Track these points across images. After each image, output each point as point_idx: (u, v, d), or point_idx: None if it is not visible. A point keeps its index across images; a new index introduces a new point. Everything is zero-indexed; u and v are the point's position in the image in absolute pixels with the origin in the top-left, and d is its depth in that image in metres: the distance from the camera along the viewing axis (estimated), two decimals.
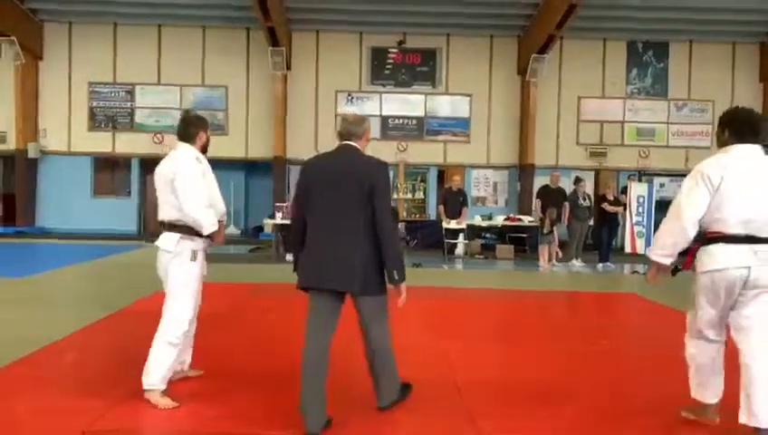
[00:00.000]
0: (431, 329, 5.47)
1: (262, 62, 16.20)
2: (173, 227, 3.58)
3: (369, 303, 3.18)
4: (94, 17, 16.26)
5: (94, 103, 16.68)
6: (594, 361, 4.65)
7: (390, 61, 16.93)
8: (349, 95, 16.88)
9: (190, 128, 3.75)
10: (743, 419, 3.00)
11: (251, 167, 17.37)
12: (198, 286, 3.68)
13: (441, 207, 12.51)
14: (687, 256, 3.22)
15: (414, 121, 16.94)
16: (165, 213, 3.62)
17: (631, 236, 14.50)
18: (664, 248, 3.16)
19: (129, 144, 16.68)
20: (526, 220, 13.60)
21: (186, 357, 3.89)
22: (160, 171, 3.65)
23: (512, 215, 14.64)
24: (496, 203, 16.95)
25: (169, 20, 16.34)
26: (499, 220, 13.87)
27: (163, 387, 3.46)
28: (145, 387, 3.44)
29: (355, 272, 3.07)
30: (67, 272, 9.01)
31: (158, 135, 16.59)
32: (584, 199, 11.96)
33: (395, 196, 15.62)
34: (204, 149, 3.78)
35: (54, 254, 12.10)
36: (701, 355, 3.23)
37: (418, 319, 5.52)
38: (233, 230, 17.19)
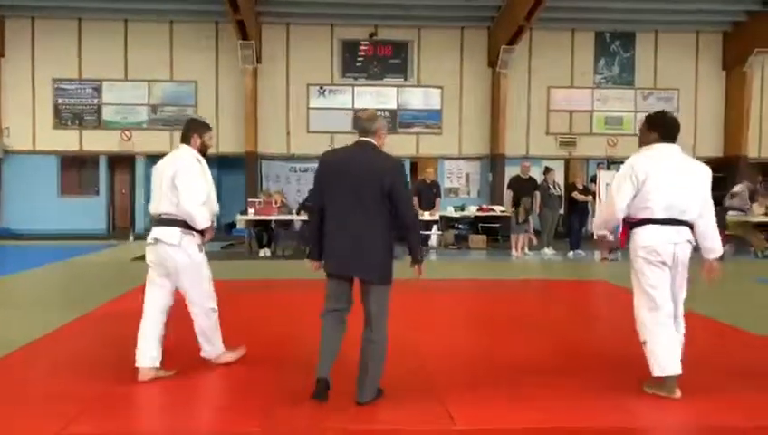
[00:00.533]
0: (402, 320, 5.51)
1: (231, 57, 16.03)
2: (172, 222, 3.80)
3: (377, 290, 3.40)
4: (58, 12, 15.86)
5: (59, 100, 16.33)
6: (565, 347, 4.74)
7: (362, 54, 16.90)
8: (320, 88, 16.81)
9: (185, 130, 4.03)
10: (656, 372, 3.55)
11: (222, 162, 17.19)
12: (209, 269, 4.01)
13: (415, 199, 12.55)
14: (621, 235, 3.83)
15: (386, 114, 16.94)
16: (163, 207, 3.83)
17: None
18: (599, 228, 3.95)
19: (96, 142, 16.38)
20: (498, 210, 13.74)
21: (157, 354, 3.86)
22: (161, 168, 3.89)
23: (484, 205, 14.79)
24: (469, 194, 17.09)
25: (136, 14, 16.06)
26: (472, 211, 14.00)
27: (223, 349, 4.07)
28: (214, 356, 4.03)
29: (375, 263, 3.36)
30: (35, 274, 8.85)
31: (126, 132, 16.34)
32: (555, 188, 12.11)
33: None
34: (202, 151, 4.00)
35: (21, 255, 11.86)
36: (656, 323, 3.58)
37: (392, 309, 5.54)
38: None
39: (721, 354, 4.66)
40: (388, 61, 16.93)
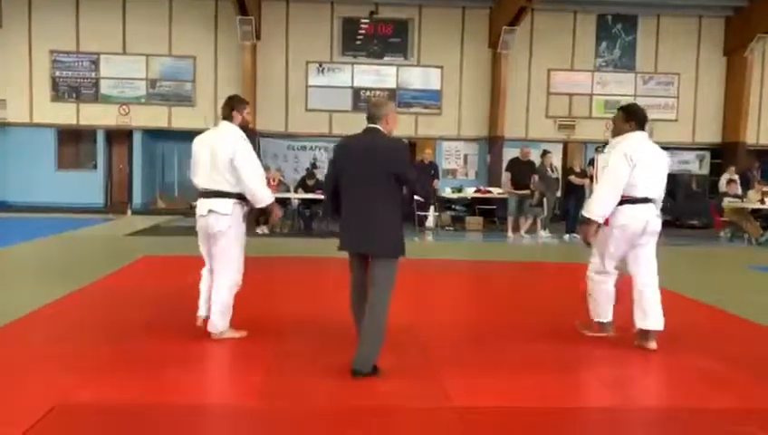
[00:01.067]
0: (399, 299, 5.56)
1: (230, 32, 15.89)
2: (226, 194, 4.10)
3: (380, 264, 3.60)
4: None
5: (57, 73, 16.21)
6: (562, 328, 4.80)
7: (362, 32, 16.77)
8: (320, 66, 16.70)
9: (225, 107, 4.25)
10: (640, 324, 4.20)
11: None
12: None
13: None
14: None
15: (386, 93, 16.87)
16: (218, 185, 4.10)
17: None
18: (606, 210, 4.17)
19: (93, 115, 16.29)
20: (495, 192, 13.76)
21: (207, 312, 4.26)
22: (213, 146, 4.10)
23: (481, 187, 14.80)
24: (466, 175, 17.08)
25: None
26: (469, 192, 14.01)
27: (228, 326, 4.20)
28: (220, 330, 4.16)
29: (381, 239, 3.59)
30: (33, 246, 8.87)
31: (124, 106, 16.24)
32: (551, 171, 12.13)
33: None
34: (243, 127, 4.23)
35: (18, 228, 11.87)
36: (604, 285, 4.37)
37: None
38: None
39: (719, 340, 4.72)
40: (388, 39, 16.81)
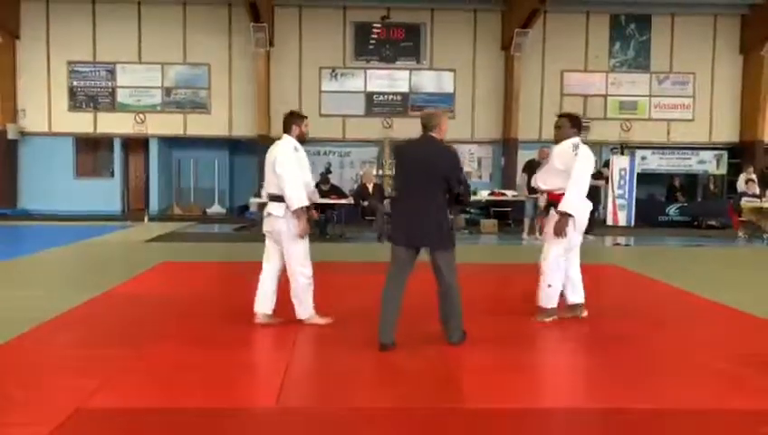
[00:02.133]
0: (417, 299, 5.58)
1: (244, 39, 16.04)
2: (279, 198, 4.59)
3: (442, 255, 4.11)
4: None
5: (74, 83, 16.46)
6: (580, 329, 4.79)
7: (374, 36, 16.84)
8: (333, 71, 16.79)
9: (286, 122, 4.79)
10: (573, 299, 5.00)
11: (235, 145, 17.29)
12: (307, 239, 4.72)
13: None
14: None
15: (399, 97, 16.93)
16: (271, 188, 4.68)
17: (613, 208, 14.73)
18: (579, 205, 4.73)
19: (110, 124, 16.52)
20: (510, 195, 13.72)
21: (270, 304, 4.72)
22: (269, 156, 4.69)
23: (496, 190, 14.77)
24: (480, 178, 17.06)
25: None
26: (483, 195, 13.98)
27: (314, 313, 4.69)
28: (305, 317, 4.68)
29: (438, 234, 4.06)
30: (54, 253, 9.00)
31: (140, 115, 16.45)
32: None
33: (380, 172, 15.65)
34: (301, 139, 4.75)
35: (38, 236, 12.06)
36: (562, 272, 4.87)
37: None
38: (218, 209, 17.18)
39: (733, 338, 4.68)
40: (400, 44, 16.86)
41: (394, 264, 4.13)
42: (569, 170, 4.69)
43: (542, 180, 4.98)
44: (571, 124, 4.91)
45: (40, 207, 15.97)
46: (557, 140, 4.93)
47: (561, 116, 5.03)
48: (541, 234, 5.27)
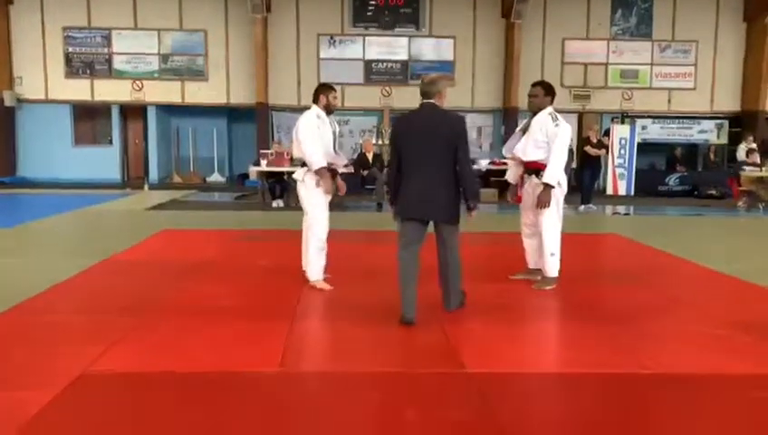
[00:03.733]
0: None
1: (240, 5, 15.80)
2: (302, 163, 4.87)
3: (449, 229, 4.08)
4: None
5: (70, 49, 16.26)
6: (577, 296, 4.83)
7: (373, 2, 16.59)
8: (331, 38, 16.59)
9: (315, 92, 5.00)
10: (537, 265, 5.10)
11: (233, 113, 17.17)
12: (326, 205, 4.91)
13: None
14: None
15: (398, 65, 16.76)
16: (295, 153, 4.98)
17: (613, 177, 14.73)
18: (561, 175, 4.86)
19: (108, 91, 16.38)
20: (510, 164, 13.66)
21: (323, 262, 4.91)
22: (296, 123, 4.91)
23: (496, 159, 14.72)
24: (480, 147, 17.01)
25: None
26: (483, 164, 13.94)
27: (321, 277, 4.88)
28: (311, 279, 4.87)
29: (444, 207, 3.98)
30: (55, 220, 9.01)
31: (138, 82, 16.29)
32: None
33: (379, 142, 15.57)
34: (328, 109, 4.94)
35: (38, 204, 12.04)
36: (559, 244, 4.96)
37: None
38: (218, 178, 17.14)
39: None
40: (399, 10, 16.63)
41: (405, 238, 4.03)
42: (550, 141, 4.75)
43: (522, 151, 4.99)
44: (546, 93, 4.93)
45: (39, 176, 15.93)
46: (533, 110, 4.94)
47: (535, 85, 5.02)
48: (516, 202, 5.40)
